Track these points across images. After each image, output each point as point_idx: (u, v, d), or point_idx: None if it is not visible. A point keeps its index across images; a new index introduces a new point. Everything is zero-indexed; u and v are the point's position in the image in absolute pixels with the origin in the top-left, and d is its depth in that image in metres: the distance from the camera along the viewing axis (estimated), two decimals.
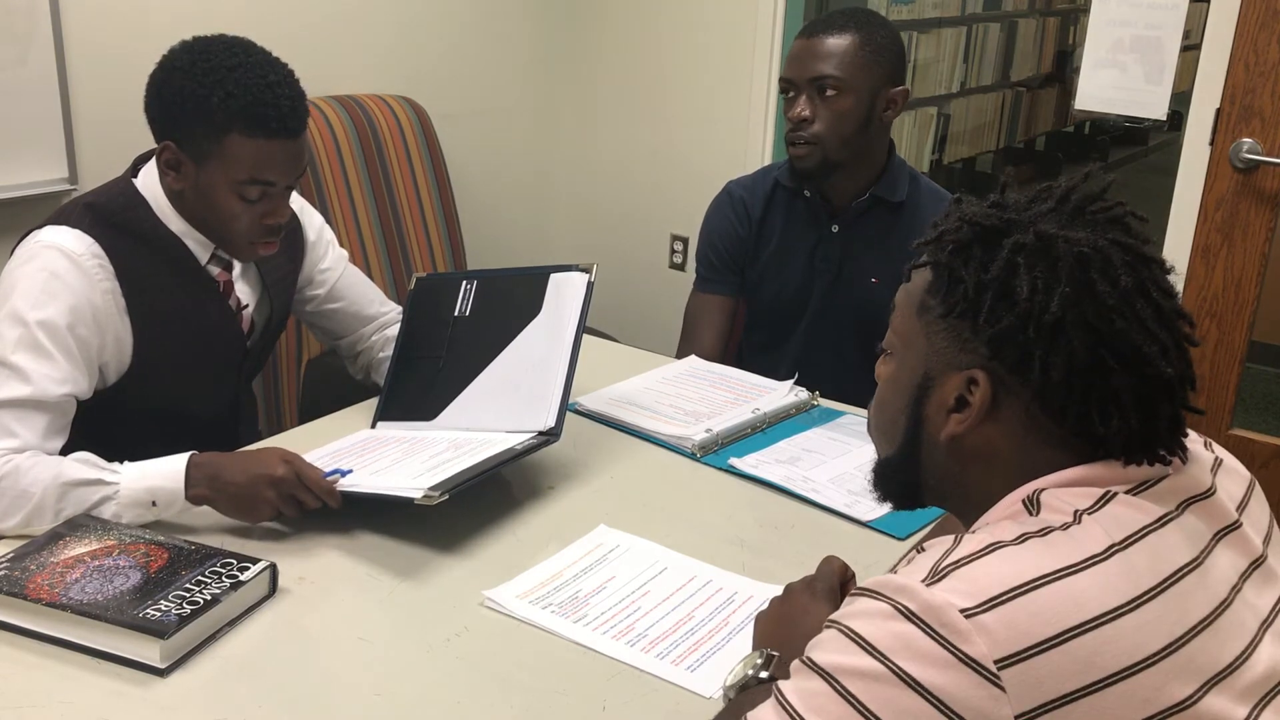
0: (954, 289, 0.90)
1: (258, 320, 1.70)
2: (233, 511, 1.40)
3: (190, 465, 1.39)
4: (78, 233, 1.47)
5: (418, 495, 1.32)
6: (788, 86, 1.99)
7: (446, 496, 1.33)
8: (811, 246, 2.09)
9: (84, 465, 1.38)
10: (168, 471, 1.39)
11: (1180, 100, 2.63)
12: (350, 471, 1.46)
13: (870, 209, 2.04)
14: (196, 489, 1.38)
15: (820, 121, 1.94)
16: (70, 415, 1.47)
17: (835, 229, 2.07)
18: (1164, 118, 2.62)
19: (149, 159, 1.57)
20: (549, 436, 1.55)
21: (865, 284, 2.05)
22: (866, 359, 1.99)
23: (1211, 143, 2.53)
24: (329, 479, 1.40)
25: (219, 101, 1.44)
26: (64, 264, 1.45)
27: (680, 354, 2.14)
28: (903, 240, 2.03)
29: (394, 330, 1.85)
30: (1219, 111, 2.51)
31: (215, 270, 1.60)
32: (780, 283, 2.12)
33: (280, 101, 1.46)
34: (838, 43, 1.93)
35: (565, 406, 1.58)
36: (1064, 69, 5.63)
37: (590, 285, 1.62)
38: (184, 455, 1.40)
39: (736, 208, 2.14)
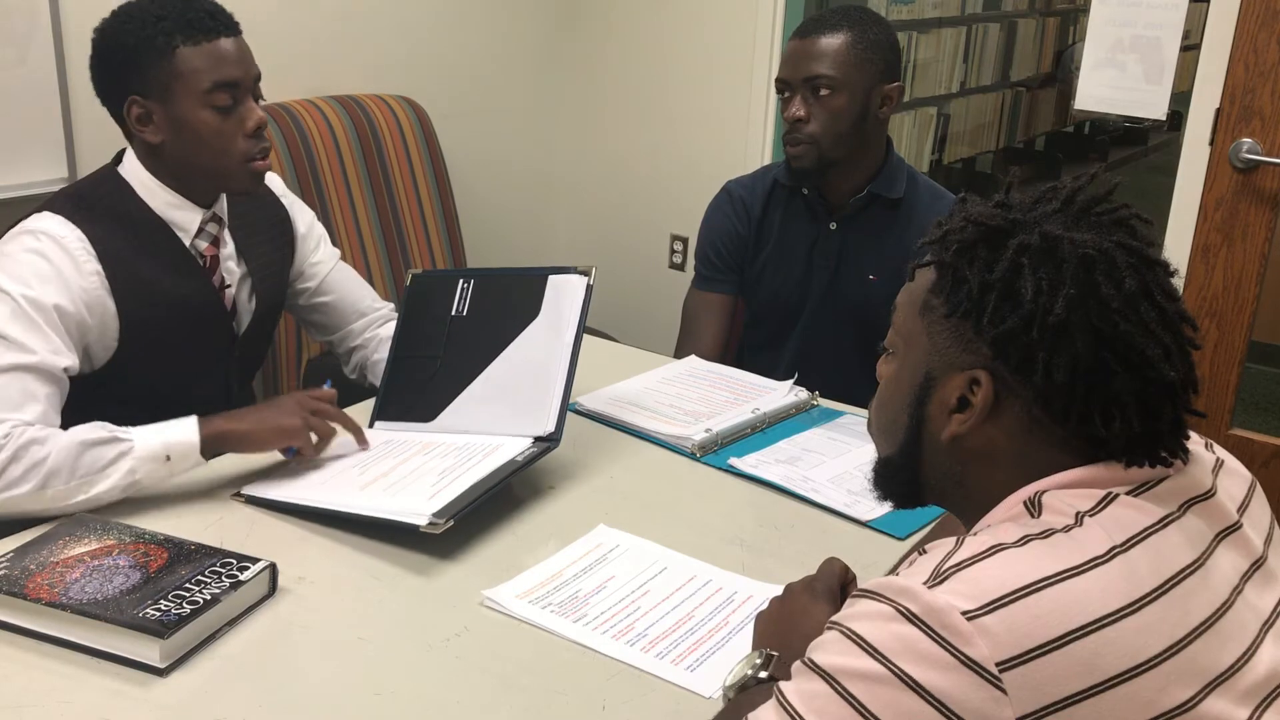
0: (958, 289, 0.90)
1: (244, 305, 1.71)
2: (258, 430, 1.47)
3: (201, 419, 1.46)
4: (61, 218, 1.51)
5: (422, 523, 1.34)
6: (783, 87, 2.00)
7: (451, 524, 1.34)
8: (810, 244, 2.09)
9: (96, 428, 1.42)
10: (180, 426, 1.44)
11: (1180, 100, 2.63)
12: (295, 451, 1.51)
13: (868, 206, 2.05)
14: (212, 427, 1.45)
15: (815, 121, 1.96)
16: (65, 393, 1.50)
17: (833, 226, 2.07)
18: (1164, 118, 2.62)
19: (127, 150, 1.62)
20: (549, 442, 1.55)
21: (863, 281, 2.05)
22: (865, 356, 2.01)
23: (1211, 143, 2.53)
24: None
25: (154, 27, 1.51)
26: (49, 247, 1.48)
27: (679, 352, 2.14)
28: (900, 238, 2.03)
29: (387, 329, 1.85)
30: (1219, 111, 2.51)
31: (202, 245, 1.63)
32: (779, 281, 2.12)
33: (208, 6, 1.55)
34: (830, 42, 1.94)
35: (565, 411, 1.58)
36: (1064, 69, 5.63)
37: (589, 288, 1.62)
38: (192, 416, 1.46)
39: (736, 206, 2.15)
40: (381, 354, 1.82)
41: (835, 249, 2.07)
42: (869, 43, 1.95)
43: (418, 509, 1.36)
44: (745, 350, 2.26)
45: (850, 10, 2.00)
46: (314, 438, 1.52)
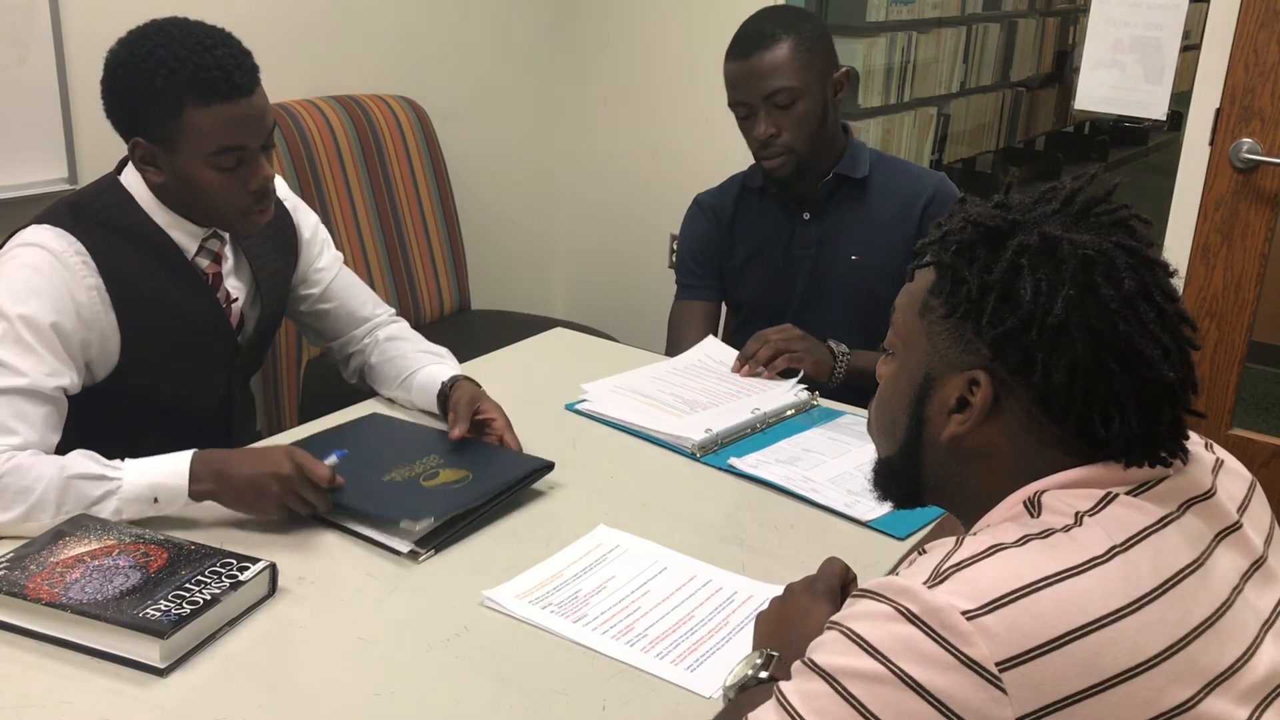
0: (957, 290, 0.90)
1: (248, 315, 1.70)
2: (239, 505, 1.40)
3: (195, 461, 1.40)
4: (59, 230, 1.47)
5: (404, 550, 1.36)
6: (742, 109, 2.01)
7: (434, 553, 1.37)
8: (786, 238, 2.12)
9: (87, 460, 1.39)
10: (171, 469, 1.39)
11: (1180, 100, 2.63)
12: (346, 452, 1.44)
13: (836, 189, 2.07)
14: (201, 484, 1.39)
15: (786, 131, 1.98)
16: (64, 410, 1.47)
17: (807, 216, 2.09)
18: (1164, 118, 2.62)
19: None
20: (545, 467, 1.56)
21: (847, 262, 2.08)
22: (863, 334, 2.02)
23: (1211, 143, 2.53)
24: (330, 462, 1.40)
25: (164, 80, 1.44)
26: (47, 261, 1.45)
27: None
28: (874, 213, 2.07)
29: (386, 331, 1.84)
30: (1219, 111, 2.51)
31: (204, 263, 1.60)
32: (760, 279, 2.15)
33: (223, 62, 1.45)
34: (777, 55, 1.95)
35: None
36: (1064, 69, 5.63)
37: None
38: (188, 453, 1.40)
39: (707, 214, 2.19)
40: (380, 357, 1.81)
41: (814, 238, 2.10)
42: (810, 41, 1.97)
43: (402, 535, 1.38)
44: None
45: (775, 14, 2.02)
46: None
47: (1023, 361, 0.87)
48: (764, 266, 2.13)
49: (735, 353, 2.01)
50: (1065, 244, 0.86)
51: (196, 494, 1.39)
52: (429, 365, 1.77)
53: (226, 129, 1.46)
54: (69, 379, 1.46)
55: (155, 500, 1.38)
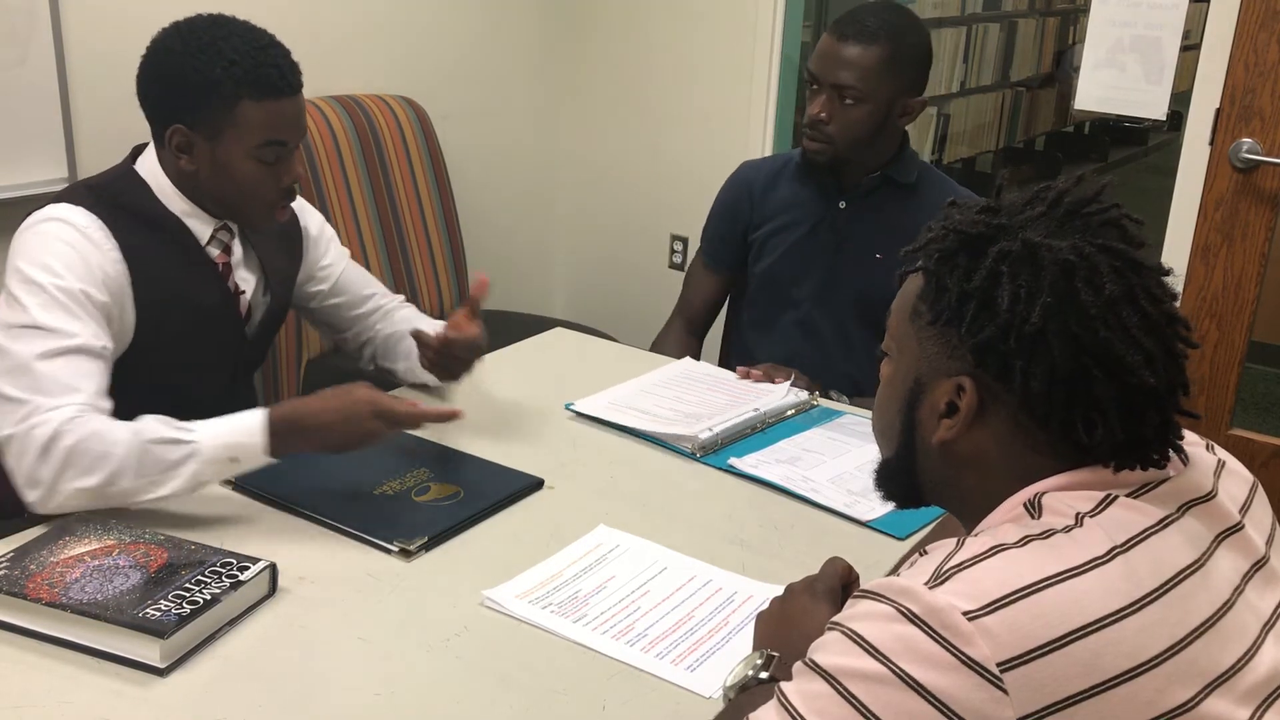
0: (941, 297, 0.90)
1: (256, 309, 1.71)
2: (336, 445, 1.43)
3: (271, 418, 1.41)
4: (82, 209, 1.49)
5: (395, 550, 1.37)
6: (813, 80, 2.02)
7: (423, 554, 1.37)
8: (818, 219, 2.12)
9: (160, 425, 1.39)
10: (244, 427, 1.40)
11: (1180, 100, 2.63)
12: None
13: (879, 187, 2.08)
14: (281, 438, 1.40)
15: (835, 124, 1.99)
16: (109, 375, 1.46)
17: (843, 205, 2.10)
18: (1164, 118, 2.63)
19: (145, 148, 1.60)
20: (535, 484, 1.56)
21: (869, 260, 2.07)
22: (868, 334, 2.01)
23: (1211, 143, 2.53)
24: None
25: (223, 72, 1.47)
26: (74, 235, 1.47)
27: (672, 317, 2.29)
28: (910, 220, 2.03)
29: (399, 314, 1.87)
30: (1219, 111, 2.51)
31: (215, 252, 1.62)
32: (780, 251, 2.14)
33: (279, 61, 1.52)
34: (865, 54, 1.95)
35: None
36: (1062, 69, 5.63)
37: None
38: (255, 411, 1.41)
39: (739, 182, 2.23)
40: (385, 330, 1.85)
41: (843, 226, 2.10)
42: (902, 58, 1.97)
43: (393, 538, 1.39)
44: (744, 330, 2.25)
45: (891, 14, 2.00)
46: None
47: (1003, 369, 0.87)
48: (787, 240, 2.14)
49: (720, 370, 2.00)
50: (1044, 250, 0.86)
51: (277, 448, 1.40)
52: (414, 320, 1.84)
53: (274, 124, 1.52)
54: (110, 341, 1.47)
55: (234, 460, 1.39)
